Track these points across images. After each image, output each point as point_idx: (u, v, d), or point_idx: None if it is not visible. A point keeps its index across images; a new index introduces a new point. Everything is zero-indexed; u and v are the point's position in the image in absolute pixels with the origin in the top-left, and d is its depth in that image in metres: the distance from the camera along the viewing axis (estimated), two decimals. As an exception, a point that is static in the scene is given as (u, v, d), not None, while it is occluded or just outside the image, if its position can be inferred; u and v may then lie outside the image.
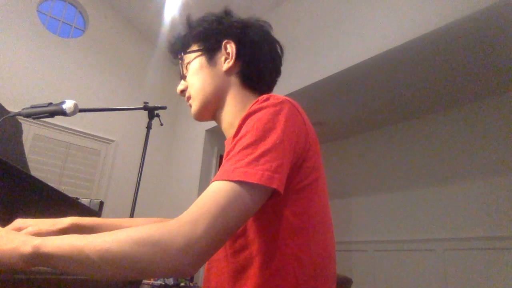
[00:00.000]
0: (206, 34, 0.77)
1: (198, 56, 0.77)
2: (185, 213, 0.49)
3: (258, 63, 0.75)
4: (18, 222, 0.68)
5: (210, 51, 0.77)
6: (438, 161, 3.32)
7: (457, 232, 3.02)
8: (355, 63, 2.73)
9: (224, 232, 0.49)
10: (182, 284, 2.91)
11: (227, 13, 0.79)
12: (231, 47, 0.75)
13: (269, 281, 0.57)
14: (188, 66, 0.79)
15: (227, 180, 0.51)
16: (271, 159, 0.53)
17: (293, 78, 3.13)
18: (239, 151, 0.54)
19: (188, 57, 0.79)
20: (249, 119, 0.59)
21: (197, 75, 0.77)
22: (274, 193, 0.54)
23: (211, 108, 0.78)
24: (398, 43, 2.48)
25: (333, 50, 2.97)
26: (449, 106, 3.33)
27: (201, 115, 0.80)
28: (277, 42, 0.80)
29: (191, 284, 3.04)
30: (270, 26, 0.80)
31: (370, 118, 3.73)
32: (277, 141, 0.55)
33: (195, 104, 0.79)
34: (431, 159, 3.38)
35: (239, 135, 0.57)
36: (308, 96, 3.21)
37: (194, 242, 0.46)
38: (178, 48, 0.81)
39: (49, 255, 0.48)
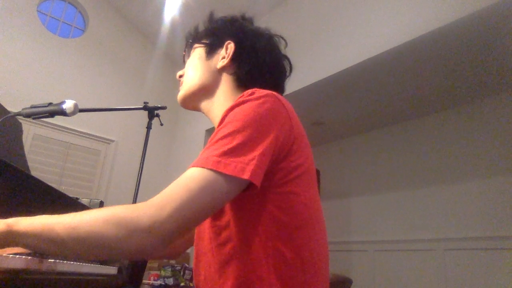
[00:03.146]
0: (215, 30, 0.81)
1: (201, 47, 0.81)
2: (156, 196, 0.50)
3: (252, 70, 0.76)
4: None
5: (212, 46, 0.80)
6: (438, 161, 3.32)
7: (457, 232, 3.02)
8: (355, 63, 2.73)
9: (191, 218, 0.50)
10: (182, 284, 2.91)
11: (244, 17, 0.83)
12: (230, 48, 0.77)
13: (250, 275, 0.57)
14: (191, 54, 0.84)
15: (201, 167, 0.52)
16: (247, 151, 0.54)
17: (292, 78, 3.12)
18: (217, 140, 0.55)
19: (194, 47, 0.84)
20: (232, 111, 0.60)
21: (192, 64, 0.81)
22: (251, 185, 0.54)
23: (195, 99, 0.80)
24: (397, 43, 2.48)
25: (333, 50, 2.97)
26: (449, 106, 3.33)
27: (184, 103, 0.83)
28: (287, 58, 0.82)
29: (191, 284, 3.03)
30: (283, 40, 0.83)
31: (370, 118, 3.73)
32: (256, 134, 0.55)
33: (182, 90, 0.82)
34: (431, 159, 3.38)
35: (221, 125, 0.58)
36: (308, 96, 3.21)
37: (159, 224, 0.47)
38: (191, 37, 0.85)
39: (21, 233, 0.50)
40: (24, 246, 0.52)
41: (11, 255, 0.56)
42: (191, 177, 0.52)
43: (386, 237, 3.52)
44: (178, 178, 0.52)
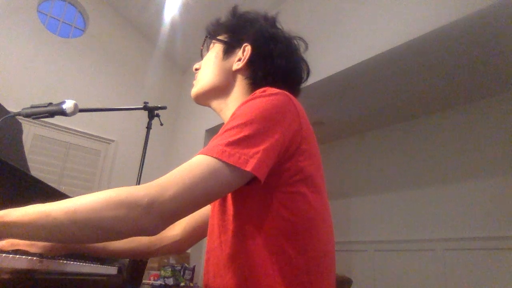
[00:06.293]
0: (235, 29, 0.80)
1: (219, 44, 0.81)
2: (160, 178, 0.52)
3: (267, 76, 0.75)
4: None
5: (230, 45, 0.79)
6: (438, 161, 3.32)
7: (457, 232, 3.02)
8: (355, 63, 2.73)
9: (191, 202, 0.51)
10: (182, 284, 2.91)
11: (266, 17, 0.82)
12: (247, 51, 0.76)
13: (256, 270, 0.58)
14: (209, 49, 0.84)
15: (207, 155, 0.54)
16: (252, 144, 0.54)
17: (293, 78, 3.12)
18: (225, 131, 0.57)
19: (213, 42, 0.83)
20: (243, 106, 0.61)
21: (209, 61, 0.81)
22: (255, 180, 0.55)
23: (208, 97, 0.80)
24: (398, 43, 2.47)
25: (333, 50, 2.97)
26: (449, 106, 3.33)
27: (197, 99, 0.83)
28: (305, 61, 0.80)
29: (191, 284, 3.03)
30: (303, 43, 0.81)
31: (370, 118, 3.73)
32: (263, 129, 0.56)
33: (195, 87, 0.82)
34: (431, 159, 3.38)
35: (231, 118, 0.59)
36: (308, 96, 3.20)
37: (159, 204, 0.49)
38: (211, 31, 0.84)
39: (14, 223, 0.49)
40: (19, 236, 0.52)
41: (11, 255, 0.56)
42: (196, 163, 0.53)
43: (386, 237, 3.52)
44: (184, 163, 0.54)
